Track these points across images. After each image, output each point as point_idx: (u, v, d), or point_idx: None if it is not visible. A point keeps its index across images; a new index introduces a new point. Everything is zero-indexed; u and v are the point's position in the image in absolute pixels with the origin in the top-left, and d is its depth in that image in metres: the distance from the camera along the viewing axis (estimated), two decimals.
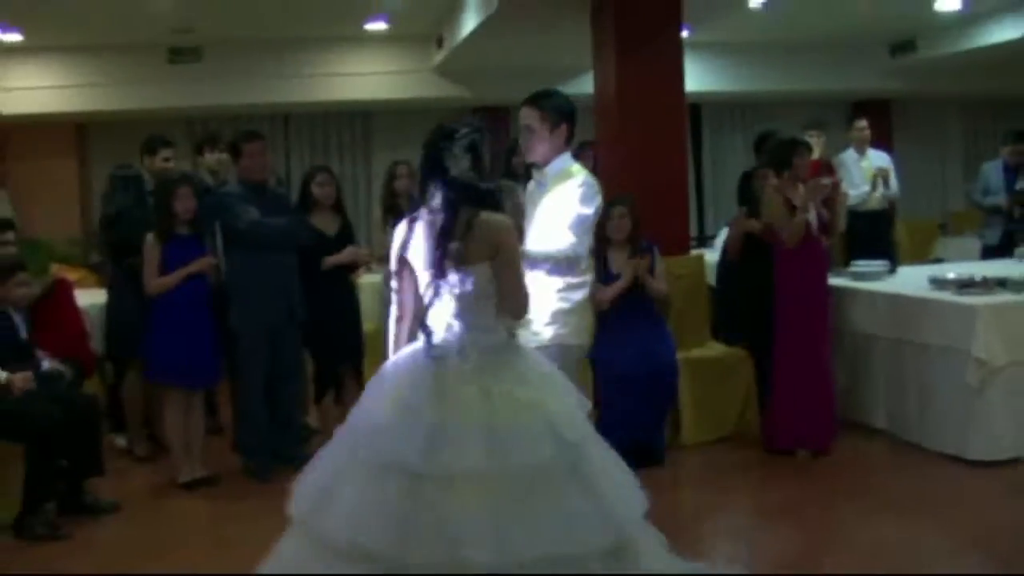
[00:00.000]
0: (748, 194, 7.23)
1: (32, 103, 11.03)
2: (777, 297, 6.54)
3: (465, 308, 3.50)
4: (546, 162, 4.68)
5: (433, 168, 3.56)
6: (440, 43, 10.89)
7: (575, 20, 7.97)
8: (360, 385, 5.91)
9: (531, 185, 4.81)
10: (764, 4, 9.47)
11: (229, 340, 6.41)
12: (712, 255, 8.12)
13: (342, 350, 6.84)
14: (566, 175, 4.66)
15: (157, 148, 7.07)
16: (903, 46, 12.47)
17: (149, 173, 7.01)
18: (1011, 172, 9.20)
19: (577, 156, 5.12)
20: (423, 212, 3.59)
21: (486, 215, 3.50)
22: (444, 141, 3.56)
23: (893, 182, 9.47)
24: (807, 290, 6.51)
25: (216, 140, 7.56)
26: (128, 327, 6.74)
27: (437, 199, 3.52)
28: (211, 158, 7.41)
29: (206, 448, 6.56)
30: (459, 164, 3.54)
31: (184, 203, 6.26)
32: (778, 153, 6.67)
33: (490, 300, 3.54)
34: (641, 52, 7.42)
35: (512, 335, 3.63)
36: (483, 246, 3.48)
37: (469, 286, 3.47)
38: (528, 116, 4.65)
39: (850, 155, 9.54)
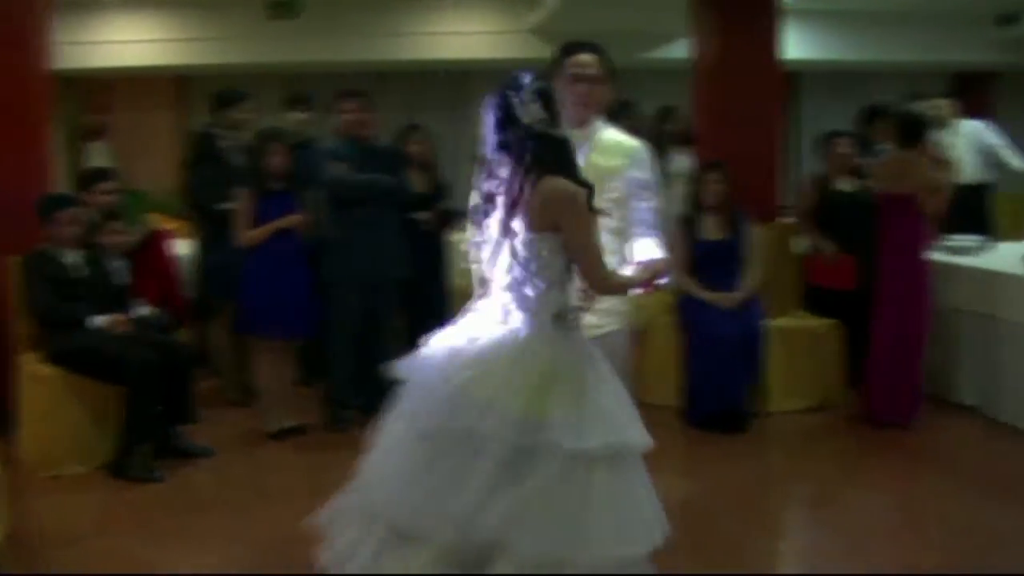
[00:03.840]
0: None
1: (133, 57, 11.25)
2: (881, 270, 6.51)
3: (517, 279, 3.34)
4: (590, 120, 4.14)
5: (503, 118, 3.34)
6: (534, 4, 10.87)
7: None
8: None
9: None
10: None
11: (323, 293, 6.50)
12: None
13: (427, 309, 6.90)
14: (621, 146, 4.16)
15: (234, 102, 7.20)
16: (1008, 18, 12.17)
17: (223, 128, 7.14)
18: None
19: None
20: (493, 168, 3.38)
21: (551, 180, 3.26)
22: (511, 90, 3.34)
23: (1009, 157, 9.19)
24: (910, 265, 6.47)
25: (296, 101, 7.63)
26: (217, 277, 6.88)
27: (504, 153, 3.34)
28: (291, 118, 7.48)
29: (296, 398, 6.67)
30: (530, 112, 3.32)
31: (276, 159, 6.33)
32: (911, 127, 6.56)
33: (544, 275, 3.31)
34: (739, 18, 7.35)
35: (565, 320, 3.37)
36: (546, 214, 3.25)
37: (524, 253, 3.30)
38: (591, 63, 4.10)
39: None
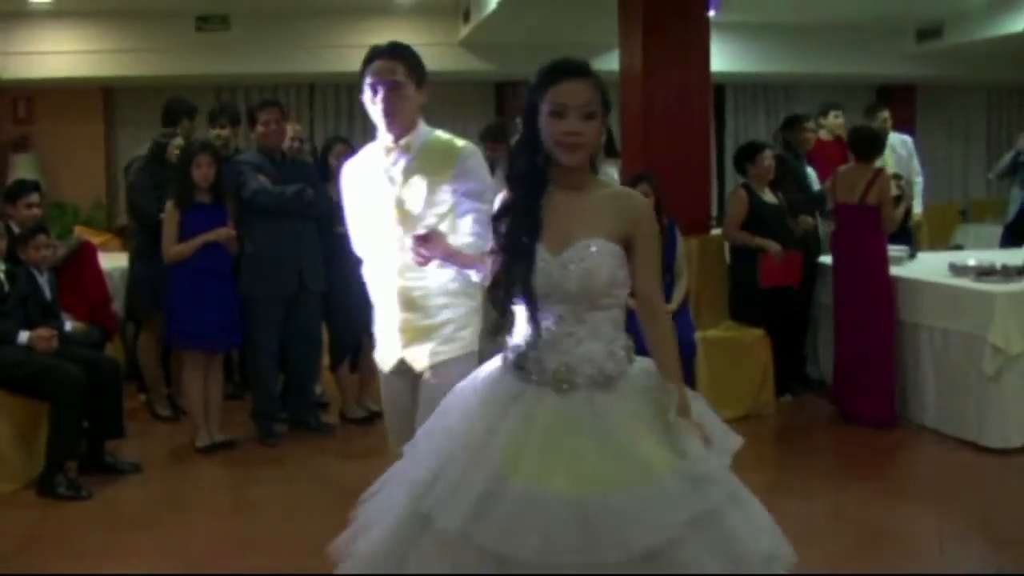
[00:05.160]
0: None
1: (60, 67, 11.10)
2: (839, 279, 7.01)
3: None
4: (408, 129, 3.64)
5: (531, 130, 2.86)
6: (466, 17, 10.90)
7: None
8: None
9: (380, 159, 3.70)
10: None
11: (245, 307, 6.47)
12: None
13: (358, 320, 6.88)
14: (447, 147, 3.67)
15: (189, 113, 7.22)
16: (929, 32, 12.41)
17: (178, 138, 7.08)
18: None
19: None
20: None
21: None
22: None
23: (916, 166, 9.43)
24: (868, 273, 6.85)
25: (218, 115, 7.58)
26: (146, 290, 6.82)
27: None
28: (212, 133, 7.45)
29: (225, 413, 6.63)
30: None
31: (202, 171, 6.28)
32: (874, 143, 7.02)
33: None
34: (668, 31, 7.43)
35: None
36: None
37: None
38: (389, 68, 3.59)
39: None
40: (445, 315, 3.62)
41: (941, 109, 14.51)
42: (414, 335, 3.64)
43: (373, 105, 3.61)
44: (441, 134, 3.72)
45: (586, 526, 2.54)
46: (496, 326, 2.92)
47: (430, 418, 2.98)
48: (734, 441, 2.90)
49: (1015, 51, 12.19)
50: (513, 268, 2.80)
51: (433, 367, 3.61)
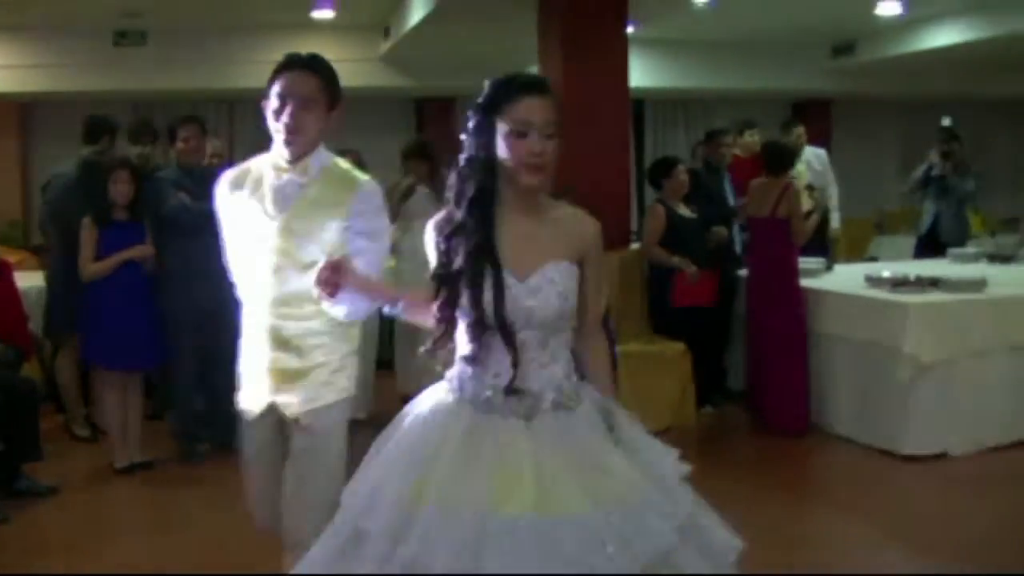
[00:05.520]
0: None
1: None
2: (751, 290, 7.20)
3: None
4: (307, 151, 3.33)
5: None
6: (387, 33, 10.90)
7: (521, 13, 8.02)
8: None
9: (268, 178, 3.38)
10: (709, 3, 9.56)
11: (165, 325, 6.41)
12: None
13: None
14: (346, 179, 3.40)
15: (113, 130, 7.15)
16: (844, 48, 12.65)
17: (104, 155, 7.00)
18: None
19: None
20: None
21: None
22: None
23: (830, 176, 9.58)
24: (780, 284, 7.02)
25: (141, 130, 7.50)
26: (64, 308, 6.73)
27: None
28: (133, 151, 7.36)
29: (145, 433, 6.55)
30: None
31: (119, 188, 6.21)
32: (784, 157, 7.19)
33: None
34: (587, 47, 7.50)
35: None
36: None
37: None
38: (304, 83, 3.30)
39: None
40: (320, 357, 3.36)
41: (855, 123, 14.77)
42: (286, 378, 3.36)
43: (276, 118, 3.29)
44: (341, 162, 3.46)
45: (594, 544, 2.47)
46: (473, 355, 2.68)
47: (368, 474, 2.70)
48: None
49: (926, 67, 12.48)
50: (481, 297, 2.63)
51: (308, 414, 3.34)
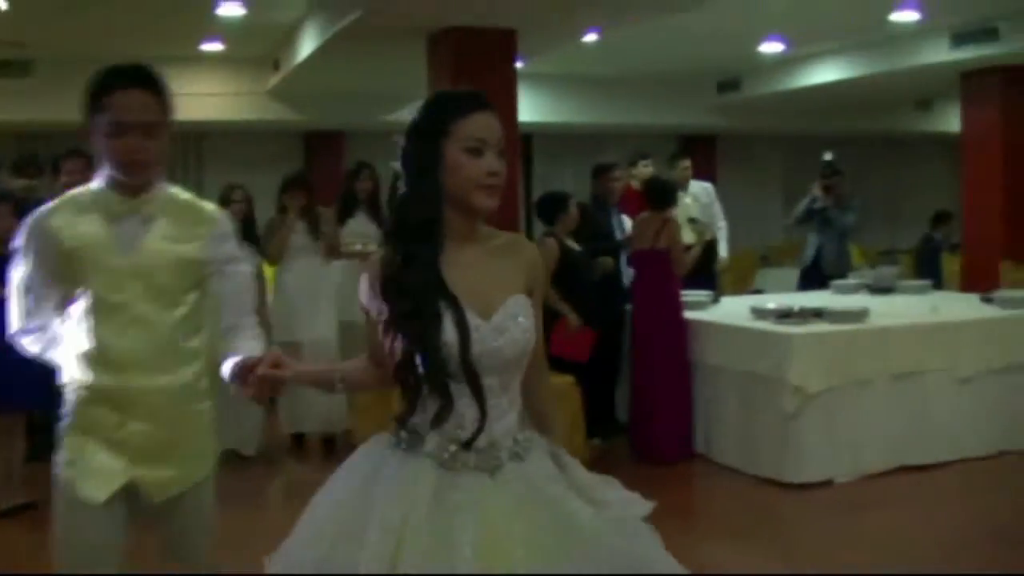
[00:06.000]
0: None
1: None
2: (636, 321, 7.28)
3: None
4: (151, 183, 2.97)
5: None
6: (276, 66, 10.84)
7: (411, 48, 8.05)
8: None
9: (100, 217, 2.96)
10: (596, 39, 9.70)
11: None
12: None
13: None
14: (193, 210, 3.06)
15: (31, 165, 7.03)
16: (729, 84, 12.94)
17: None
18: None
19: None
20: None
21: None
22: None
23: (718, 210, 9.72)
24: (663, 315, 7.15)
25: (25, 163, 7.36)
26: None
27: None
28: (17, 184, 7.21)
29: (26, 473, 6.37)
30: None
31: (2, 222, 6.05)
32: (665, 193, 7.33)
33: None
34: (475, 81, 7.48)
35: None
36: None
37: None
38: (143, 104, 2.90)
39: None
40: (189, 425, 3.02)
41: (740, 158, 15.09)
42: (147, 453, 2.93)
43: (111, 148, 2.86)
44: (180, 192, 3.08)
45: None
46: (440, 414, 2.37)
47: (311, 543, 2.38)
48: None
49: (807, 103, 12.83)
50: (440, 342, 2.33)
51: (184, 494, 2.98)
